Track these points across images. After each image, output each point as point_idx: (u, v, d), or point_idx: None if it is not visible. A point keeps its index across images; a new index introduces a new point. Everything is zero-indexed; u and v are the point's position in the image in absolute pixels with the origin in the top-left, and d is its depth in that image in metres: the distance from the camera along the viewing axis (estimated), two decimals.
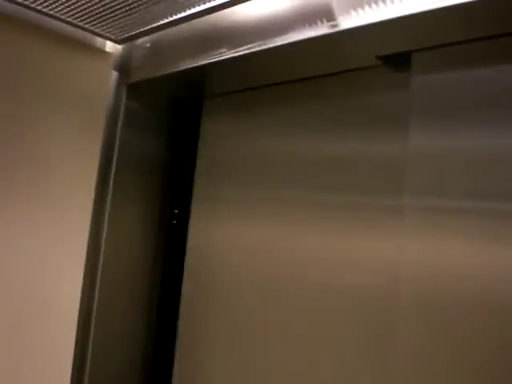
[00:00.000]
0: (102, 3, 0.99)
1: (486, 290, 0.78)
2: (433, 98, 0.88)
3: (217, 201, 1.31)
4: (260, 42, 0.99)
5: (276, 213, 1.16)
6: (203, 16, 1.01)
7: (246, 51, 1.01)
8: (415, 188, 0.87)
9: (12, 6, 1.05)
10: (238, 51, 1.02)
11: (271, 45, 0.97)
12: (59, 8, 1.03)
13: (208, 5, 0.96)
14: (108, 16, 1.05)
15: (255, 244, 1.19)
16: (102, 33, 1.14)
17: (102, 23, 1.09)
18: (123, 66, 1.28)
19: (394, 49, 0.93)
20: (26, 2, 1.02)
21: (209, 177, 1.34)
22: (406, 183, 0.89)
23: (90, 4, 1.00)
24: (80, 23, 1.09)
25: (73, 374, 1.18)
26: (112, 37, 1.17)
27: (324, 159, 1.08)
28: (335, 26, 0.89)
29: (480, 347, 0.77)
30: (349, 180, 1.03)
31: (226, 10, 0.99)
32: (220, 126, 1.33)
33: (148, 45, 1.22)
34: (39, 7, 1.03)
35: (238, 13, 1.02)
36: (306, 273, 1.07)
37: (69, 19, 1.08)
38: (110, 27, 1.11)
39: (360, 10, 0.85)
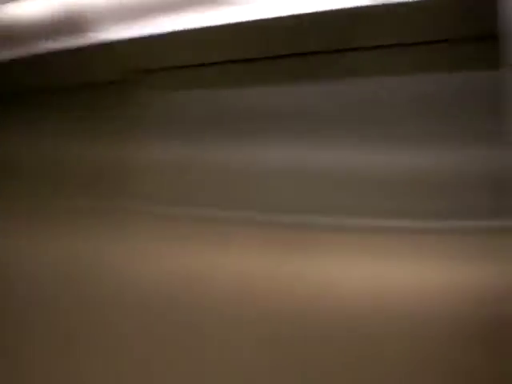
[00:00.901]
0: None
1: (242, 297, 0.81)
2: (159, 113, 0.92)
3: None
4: (23, 47, 0.98)
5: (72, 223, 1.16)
6: None
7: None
8: (137, 194, 0.92)
9: None
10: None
11: (33, 51, 0.96)
12: None
13: None
14: None
15: (57, 257, 1.18)
16: None
17: None
18: None
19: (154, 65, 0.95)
20: None
21: None
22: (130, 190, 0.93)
23: None
24: None
25: None
26: None
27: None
28: (92, 37, 0.90)
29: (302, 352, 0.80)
30: None
31: None
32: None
33: None
34: None
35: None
36: (104, 284, 1.07)
37: None
38: None
39: (120, 25, 0.86)
